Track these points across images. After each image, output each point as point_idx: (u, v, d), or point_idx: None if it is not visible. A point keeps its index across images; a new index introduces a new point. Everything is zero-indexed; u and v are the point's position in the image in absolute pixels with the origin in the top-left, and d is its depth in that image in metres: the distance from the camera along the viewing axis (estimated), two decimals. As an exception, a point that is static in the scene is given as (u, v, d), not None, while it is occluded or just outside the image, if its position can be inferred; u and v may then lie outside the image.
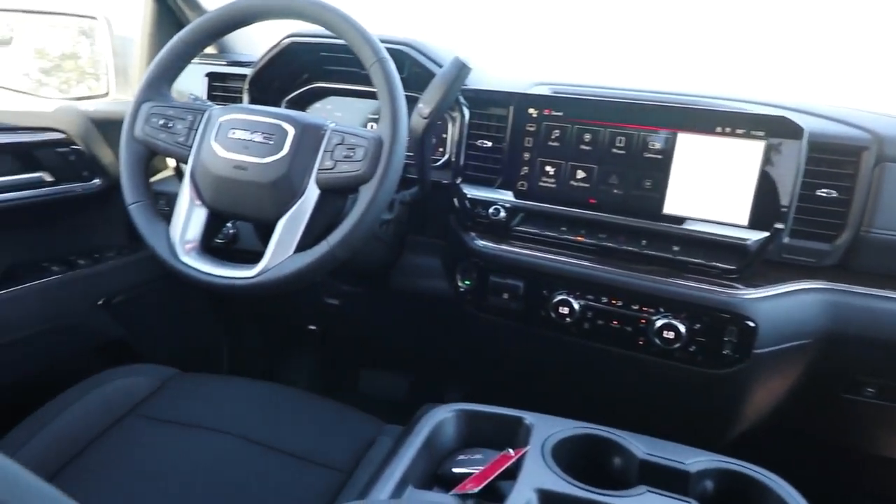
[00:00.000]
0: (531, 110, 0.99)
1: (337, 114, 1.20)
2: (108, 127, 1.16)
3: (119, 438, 0.82)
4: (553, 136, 0.98)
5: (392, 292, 1.14)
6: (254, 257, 0.83)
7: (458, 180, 1.04)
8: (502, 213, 1.00)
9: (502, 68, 1.27)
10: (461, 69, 0.90)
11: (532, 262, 0.98)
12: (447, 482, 0.61)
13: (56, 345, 1.09)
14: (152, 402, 0.91)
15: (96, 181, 1.14)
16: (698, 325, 0.88)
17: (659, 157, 0.92)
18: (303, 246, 0.81)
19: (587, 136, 0.96)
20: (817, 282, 0.89)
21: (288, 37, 1.10)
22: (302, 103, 1.19)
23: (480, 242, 1.02)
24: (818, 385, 0.94)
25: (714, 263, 0.89)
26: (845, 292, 0.89)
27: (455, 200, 1.04)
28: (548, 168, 0.99)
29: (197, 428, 0.85)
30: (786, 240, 0.88)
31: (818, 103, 0.95)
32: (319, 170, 0.81)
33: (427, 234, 1.13)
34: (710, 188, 0.90)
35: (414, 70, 1.05)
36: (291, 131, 0.82)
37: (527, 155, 1.00)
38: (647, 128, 0.92)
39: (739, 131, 0.88)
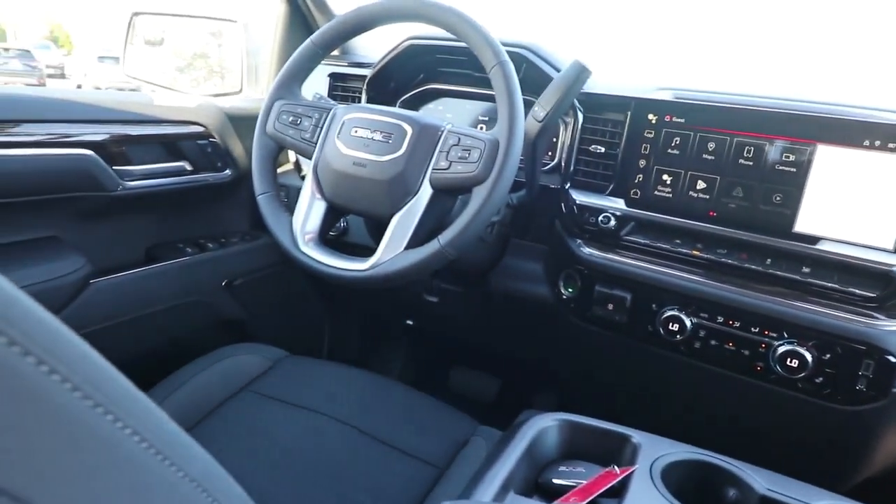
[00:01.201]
0: (651, 116, 0.95)
1: (448, 115, 1.22)
2: (240, 122, 1.25)
3: (235, 411, 0.89)
4: (673, 144, 0.94)
5: (491, 294, 1.14)
6: (362, 251, 0.87)
7: (568, 185, 1.03)
8: (612, 221, 0.97)
9: (620, 73, 1.23)
10: (581, 72, 0.88)
11: (642, 273, 0.94)
12: (547, 492, 0.60)
13: (186, 319, 1.19)
14: (264, 380, 0.98)
15: (227, 172, 1.24)
16: (828, 356, 0.81)
17: (793, 170, 0.85)
18: (413, 243, 0.83)
19: (711, 145, 0.91)
20: (976, 317, 0.78)
21: (407, 39, 1.14)
22: (415, 104, 1.23)
23: (587, 250, 1.00)
24: None
25: (851, 289, 0.81)
26: None
27: (563, 206, 1.03)
28: (665, 177, 0.95)
29: (302, 408, 0.89)
30: (941, 268, 0.78)
31: None
32: (434, 169, 0.82)
33: (529, 238, 1.13)
34: (852, 206, 0.82)
35: (529, 73, 1.05)
36: (410, 131, 0.84)
37: (643, 162, 0.97)
38: (782, 138, 0.86)
39: (892, 145, 0.79)
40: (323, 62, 1.31)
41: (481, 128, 1.18)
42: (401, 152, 0.83)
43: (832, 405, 0.82)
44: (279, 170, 1.38)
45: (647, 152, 0.96)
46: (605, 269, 0.97)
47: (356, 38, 1.01)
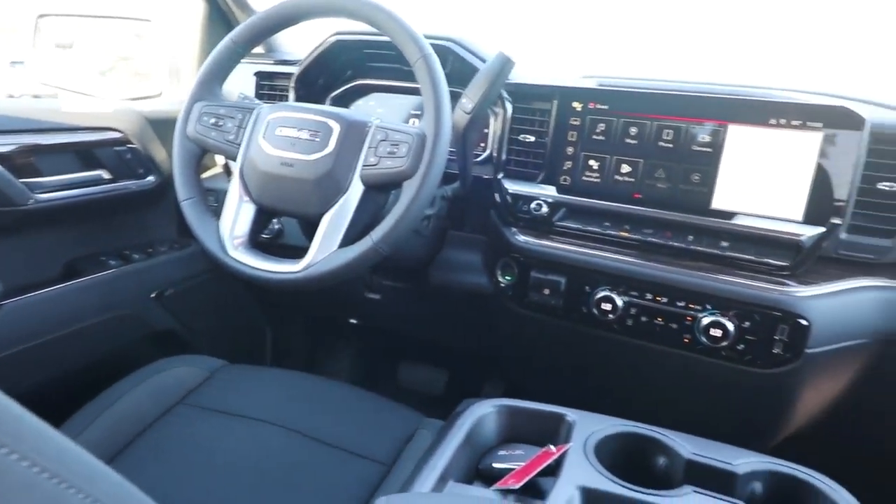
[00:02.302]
0: (575, 104, 0.98)
1: (379, 110, 1.21)
2: (161, 126, 1.20)
3: (171, 426, 0.86)
4: (598, 130, 0.97)
5: (432, 287, 1.15)
6: (298, 252, 0.85)
7: (500, 175, 1.04)
8: (544, 209, 0.99)
9: (545, 63, 1.26)
10: (505, 64, 0.90)
11: (574, 257, 0.97)
12: (488, 477, 0.61)
13: (113, 335, 1.14)
14: (202, 391, 0.95)
15: (150, 178, 1.19)
16: (747, 323, 0.86)
17: (708, 150, 0.90)
18: (347, 241, 0.82)
19: (633, 130, 0.94)
20: (877, 279, 0.85)
21: (333, 35, 1.12)
22: (346, 100, 1.21)
23: (522, 238, 1.02)
24: (877, 389, 0.89)
25: (765, 260, 0.86)
26: (908, 291, 0.84)
27: (496, 195, 1.04)
28: (592, 162, 0.98)
29: (243, 418, 0.87)
30: (843, 235, 0.84)
31: (879, 93, 0.90)
32: (364, 166, 0.82)
33: (467, 230, 1.14)
34: (763, 182, 0.87)
35: (456, 65, 1.05)
36: (337, 128, 0.83)
37: (570, 149, 0.99)
38: (696, 120, 0.90)
39: (795, 122, 0.84)
40: (248, 60, 1.27)
41: (413, 122, 1.18)
42: (328, 150, 0.82)
43: (753, 370, 0.87)
44: (208, 173, 1.34)
45: (574, 139, 0.99)
46: (539, 255, 1.00)
47: (282, 34, 0.99)
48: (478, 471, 0.64)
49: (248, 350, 1.49)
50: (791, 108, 0.84)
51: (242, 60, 0.95)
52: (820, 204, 0.83)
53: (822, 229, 0.83)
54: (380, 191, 0.86)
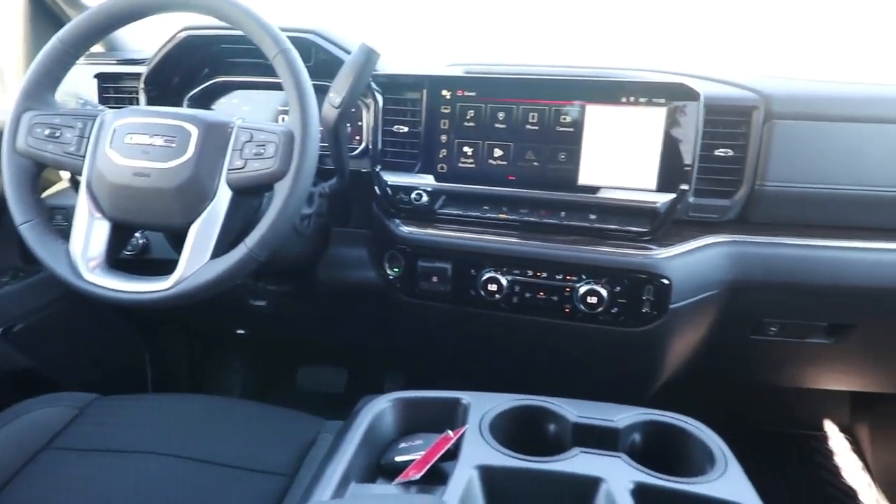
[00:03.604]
0: (444, 92, 0.99)
1: (244, 108, 1.15)
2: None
3: (35, 476, 0.77)
4: (468, 117, 0.99)
5: (320, 287, 1.12)
6: (168, 267, 0.79)
7: (378, 168, 1.03)
8: (424, 198, 1.00)
9: (413, 52, 1.26)
10: (369, 55, 0.89)
11: (458, 243, 0.99)
12: (390, 472, 0.61)
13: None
14: (70, 432, 0.86)
15: (-21, 201, 1.04)
16: (618, 288, 0.93)
17: (570, 129, 0.95)
18: (219, 251, 0.77)
19: (501, 115, 0.97)
20: (721, 236, 0.95)
21: (183, 30, 1.04)
22: (206, 100, 1.14)
23: (406, 229, 1.02)
24: (729, 331, 1.01)
25: (629, 228, 0.94)
26: (746, 243, 0.95)
27: (376, 188, 1.03)
28: (465, 149, 1.00)
29: (123, 453, 0.80)
30: (691, 199, 0.93)
31: (711, 68, 1.01)
32: (229, 170, 0.78)
33: (351, 225, 1.12)
34: (620, 156, 0.94)
35: (321, 58, 1.03)
36: (195, 132, 0.78)
37: (444, 137, 1.00)
38: (558, 102, 0.95)
39: (642, 99, 0.92)
40: (87, 61, 1.16)
41: (282, 118, 1.13)
42: (188, 156, 0.77)
43: (627, 329, 0.94)
44: (53, 189, 1.20)
45: (446, 127, 1.00)
46: (424, 244, 1.01)
47: (126, 29, 0.90)
48: (380, 467, 0.64)
49: (125, 379, 1.37)
50: (637, 86, 0.91)
51: (79, 62, 0.86)
52: (670, 172, 0.91)
53: (673, 195, 0.91)
54: (251, 194, 0.82)
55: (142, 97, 1.08)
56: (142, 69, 1.08)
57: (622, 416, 0.63)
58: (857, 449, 1.50)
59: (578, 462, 0.57)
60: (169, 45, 1.05)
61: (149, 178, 0.77)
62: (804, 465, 1.48)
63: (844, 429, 1.53)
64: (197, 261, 0.76)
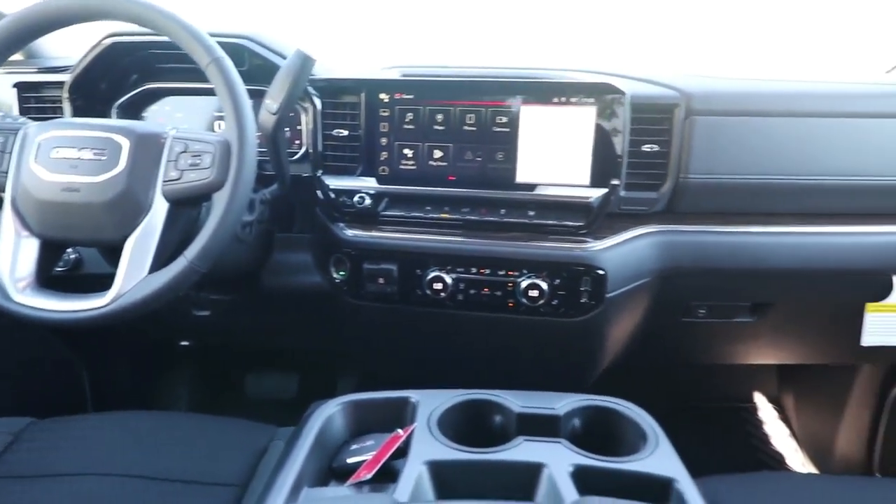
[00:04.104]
0: (383, 95, 1.00)
1: (178, 115, 1.12)
2: None
3: None
4: (407, 119, 1.00)
5: (266, 294, 1.11)
6: (104, 282, 0.77)
7: (319, 172, 1.03)
8: (368, 201, 1.01)
9: (350, 54, 1.26)
10: (305, 61, 0.89)
11: (402, 244, 1.01)
12: (343, 474, 0.62)
13: None
14: (6, 459, 0.82)
15: None
16: (558, 281, 0.97)
17: (507, 129, 0.98)
18: (158, 264, 0.76)
19: (439, 117, 0.99)
20: (651, 226, 1.01)
21: (108, 36, 1.01)
22: (136, 108, 1.10)
23: (350, 232, 1.03)
24: (661, 315, 1.07)
25: (565, 223, 0.98)
26: (674, 232, 1.01)
27: (319, 193, 1.04)
28: (406, 151, 1.01)
29: (65, 477, 0.78)
30: (622, 193, 0.98)
31: (636, 67, 1.06)
32: (165, 182, 0.76)
33: (295, 230, 1.12)
34: (555, 154, 0.97)
35: (255, 62, 1.02)
36: (126, 143, 0.76)
37: (384, 140, 1.02)
38: (493, 103, 0.98)
39: (573, 99, 0.96)
40: (4, 70, 1.10)
41: (218, 125, 1.12)
42: (119, 168, 0.75)
43: (567, 320, 0.99)
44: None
45: (386, 130, 1.01)
46: (369, 247, 1.02)
47: (46, 37, 0.87)
48: (332, 470, 0.65)
49: (61, 400, 1.31)
50: (568, 87, 0.95)
51: None
52: (601, 168, 0.96)
53: (605, 190, 0.96)
54: (188, 205, 0.81)
55: (66, 107, 1.03)
56: (65, 77, 1.04)
57: (562, 404, 0.67)
58: (784, 417, 1.62)
59: (522, 450, 0.60)
60: (94, 52, 1.01)
61: (79, 193, 0.75)
62: (737, 436, 1.59)
63: (772, 399, 1.64)
64: (135, 275, 0.75)
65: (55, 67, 1.10)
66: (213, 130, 1.11)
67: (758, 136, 0.98)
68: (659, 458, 0.59)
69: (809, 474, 1.37)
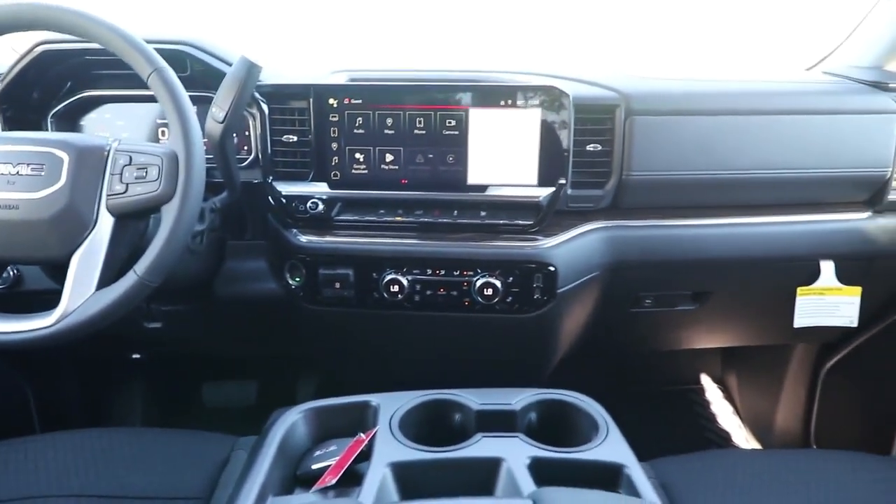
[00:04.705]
0: (332, 100, 1.00)
1: (119, 123, 1.09)
2: None
3: None
4: (357, 124, 1.01)
5: (219, 303, 1.10)
6: (47, 299, 0.75)
7: (270, 178, 1.03)
8: (321, 206, 1.01)
9: (296, 59, 1.25)
10: (250, 68, 0.88)
11: (357, 248, 1.01)
12: (308, 481, 0.63)
13: None
14: None
15: None
16: (511, 278, 1.00)
17: (456, 132, 1.00)
18: (106, 280, 0.74)
19: (389, 121, 1.00)
20: (598, 222, 1.05)
21: (40, 44, 0.97)
22: (73, 117, 1.06)
23: (304, 238, 1.03)
24: (611, 307, 1.12)
25: (516, 222, 1.00)
26: (620, 227, 1.06)
27: (270, 199, 1.03)
28: (357, 155, 1.02)
29: (17, 501, 0.76)
30: (569, 191, 1.01)
31: (579, 69, 1.10)
32: (109, 196, 0.75)
33: (247, 237, 1.10)
34: (504, 155, 1.00)
35: (197, 68, 1.00)
36: (66, 157, 0.74)
37: (335, 145, 1.02)
38: (442, 107, 0.99)
39: (519, 102, 0.98)
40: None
41: (162, 132, 1.09)
42: (60, 184, 0.73)
43: (522, 315, 1.02)
44: None
45: (336, 135, 1.01)
46: (324, 252, 1.02)
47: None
48: (297, 477, 0.65)
49: (4, 422, 1.26)
50: (513, 90, 0.98)
51: None
52: (548, 168, 0.99)
53: (553, 189, 0.99)
54: (135, 218, 0.79)
55: (-3, 118, 0.99)
56: None
57: (518, 399, 0.70)
58: (729, 397, 1.71)
59: (481, 446, 0.62)
60: (24, 60, 0.97)
61: (17, 211, 0.72)
62: (686, 416, 1.67)
63: (717, 380, 1.74)
64: (82, 293, 0.73)
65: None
66: (157, 138, 1.09)
67: (693, 133, 1.03)
68: (609, 446, 0.63)
69: (751, 450, 1.46)
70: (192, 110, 0.77)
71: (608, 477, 0.60)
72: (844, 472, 0.87)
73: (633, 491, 0.58)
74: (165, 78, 0.75)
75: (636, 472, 0.60)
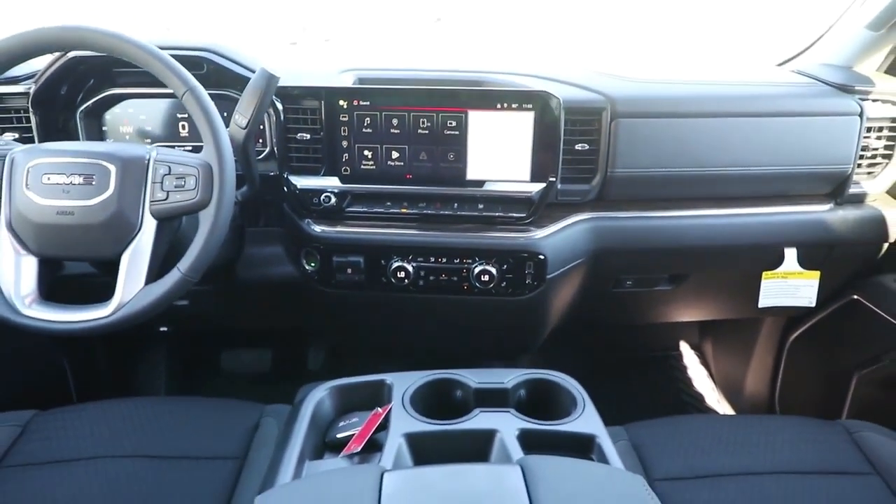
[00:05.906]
0: (341, 102, 1.09)
1: (141, 117, 1.17)
2: None
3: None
4: (366, 124, 1.09)
5: (241, 284, 1.21)
6: (90, 282, 0.84)
7: (286, 173, 1.12)
8: (333, 199, 1.11)
9: (307, 56, 1.32)
10: (270, 80, 0.96)
11: (367, 238, 1.12)
12: (335, 447, 0.76)
13: None
14: (20, 449, 0.91)
15: None
16: (506, 266, 1.11)
17: (456, 132, 1.09)
18: (152, 276, 0.85)
19: (395, 121, 1.09)
20: (584, 214, 1.16)
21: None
22: (98, 112, 1.14)
23: (318, 228, 1.13)
24: (594, 288, 1.24)
25: (510, 214, 1.11)
26: (605, 218, 1.17)
27: (286, 190, 1.12)
28: (366, 152, 1.11)
29: (79, 461, 0.88)
30: (559, 186, 1.11)
31: (569, 71, 1.18)
32: (152, 202, 0.84)
33: (261, 224, 1.21)
34: (500, 154, 1.09)
35: (212, 68, 1.08)
36: (113, 169, 0.83)
37: (345, 143, 1.11)
38: (443, 109, 1.08)
39: (514, 105, 1.07)
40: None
41: (183, 126, 1.17)
42: (110, 192, 0.83)
43: (515, 298, 1.14)
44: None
45: (346, 134, 1.10)
46: (337, 241, 1.12)
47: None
48: (325, 444, 0.78)
49: (53, 392, 1.39)
50: (509, 94, 1.07)
51: None
52: (540, 166, 1.09)
53: (544, 184, 1.09)
54: (174, 220, 0.89)
55: (33, 119, 1.07)
56: (23, 88, 1.07)
57: (510, 378, 0.82)
58: (704, 362, 1.86)
59: (478, 420, 0.75)
60: (58, 63, 1.05)
61: (73, 216, 0.82)
62: (665, 380, 1.82)
63: (695, 347, 1.88)
64: (133, 287, 0.84)
65: (14, 78, 1.12)
66: (177, 131, 1.17)
67: (672, 134, 1.12)
68: (585, 419, 0.75)
69: (715, 416, 1.61)
70: (223, 127, 0.86)
71: (584, 445, 0.73)
72: (793, 434, 1.00)
73: (603, 458, 0.71)
74: (198, 97, 0.84)
75: (606, 442, 0.73)
